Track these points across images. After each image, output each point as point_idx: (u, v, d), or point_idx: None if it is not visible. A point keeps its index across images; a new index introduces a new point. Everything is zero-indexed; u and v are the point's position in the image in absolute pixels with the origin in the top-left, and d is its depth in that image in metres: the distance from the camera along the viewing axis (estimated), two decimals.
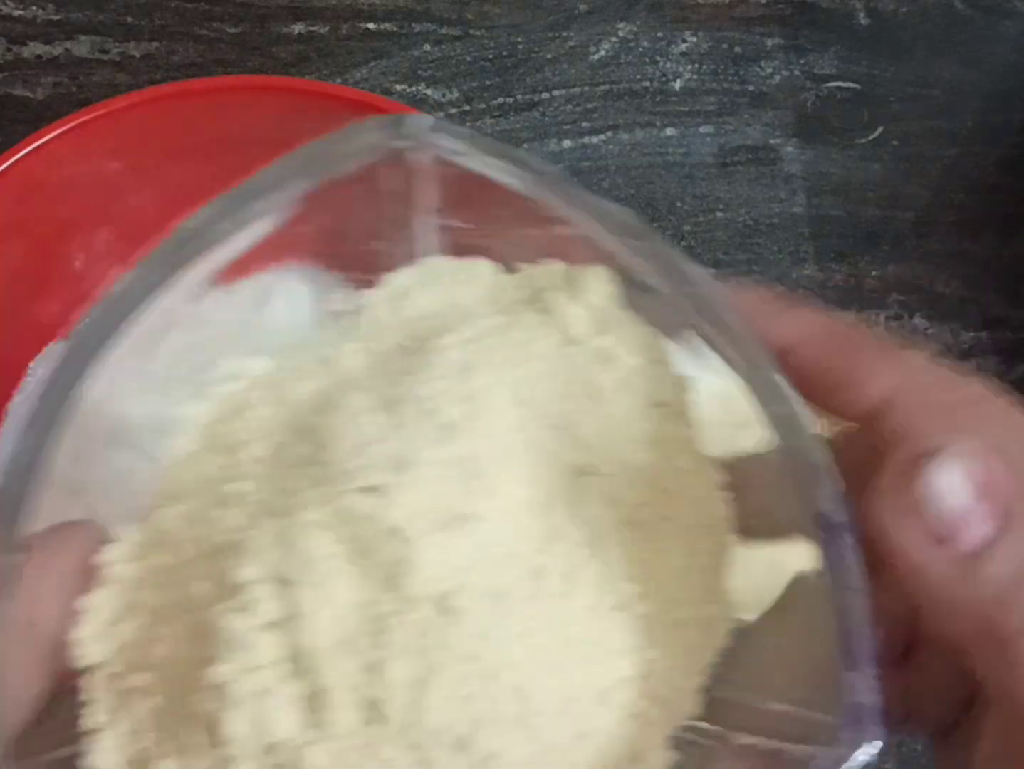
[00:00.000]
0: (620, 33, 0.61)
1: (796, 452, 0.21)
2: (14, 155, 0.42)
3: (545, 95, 0.59)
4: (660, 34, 0.62)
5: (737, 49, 0.62)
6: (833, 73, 0.61)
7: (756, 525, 0.24)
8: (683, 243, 0.54)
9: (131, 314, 0.23)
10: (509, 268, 0.26)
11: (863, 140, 0.59)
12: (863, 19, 0.64)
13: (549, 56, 0.60)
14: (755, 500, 0.24)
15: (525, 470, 0.23)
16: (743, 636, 0.24)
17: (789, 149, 0.58)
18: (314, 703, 0.21)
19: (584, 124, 0.58)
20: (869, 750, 0.20)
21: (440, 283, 0.26)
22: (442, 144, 0.23)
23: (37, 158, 0.42)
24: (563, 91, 0.59)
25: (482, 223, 0.26)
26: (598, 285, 0.25)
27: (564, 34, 0.61)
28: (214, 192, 0.49)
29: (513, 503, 0.23)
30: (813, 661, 0.22)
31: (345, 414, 0.23)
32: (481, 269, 0.26)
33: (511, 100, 0.58)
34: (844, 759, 0.20)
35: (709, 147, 0.58)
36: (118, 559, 0.23)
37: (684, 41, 0.62)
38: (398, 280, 0.26)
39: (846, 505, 0.21)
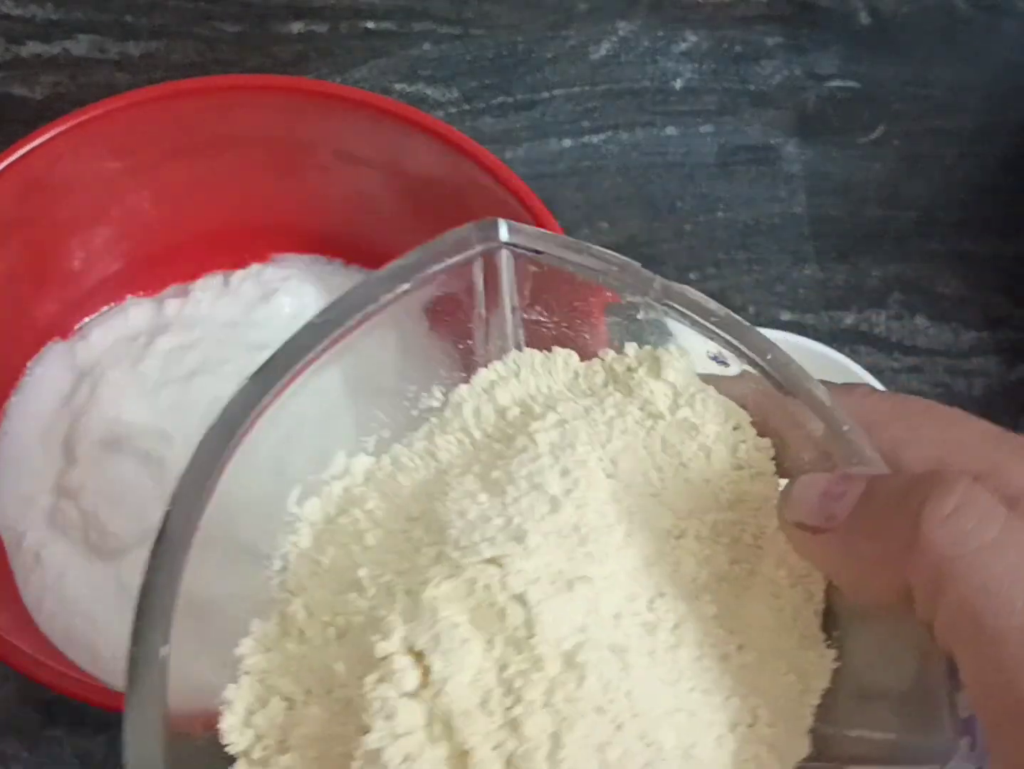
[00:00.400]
0: (620, 32, 0.61)
1: None
2: (13, 154, 0.42)
3: (545, 94, 0.59)
4: (660, 33, 0.62)
5: (738, 48, 0.62)
6: (834, 72, 0.61)
7: None
8: (684, 243, 0.54)
9: (247, 419, 0.26)
10: (586, 355, 0.29)
11: (864, 139, 0.59)
12: (864, 19, 0.64)
13: (549, 55, 0.60)
14: None
15: (623, 536, 0.25)
16: (841, 674, 0.26)
17: (790, 148, 0.57)
18: (459, 764, 0.23)
19: (584, 123, 0.57)
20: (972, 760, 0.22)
21: (527, 374, 0.29)
22: (521, 243, 0.27)
23: (36, 157, 0.42)
24: (563, 90, 0.59)
25: (561, 316, 0.29)
26: (677, 361, 0.28)
27: (564, 33, 0.61)
28: (212, 191, 0.48)
29: (617, 566, 0.25)
30: (907, 687, 0.24)
31: (456, 497, 0.26)
32: (563, 358, 0.29)
33: (511, 99, 0.58)
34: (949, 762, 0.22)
35: (709, 146, 0.58)
36: (251, 652, 0.25)
37: (685, 40, 0.61)
38: (487, 375, 0.29)
39: None
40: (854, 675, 0.25)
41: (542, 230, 0.28)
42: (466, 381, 0.29)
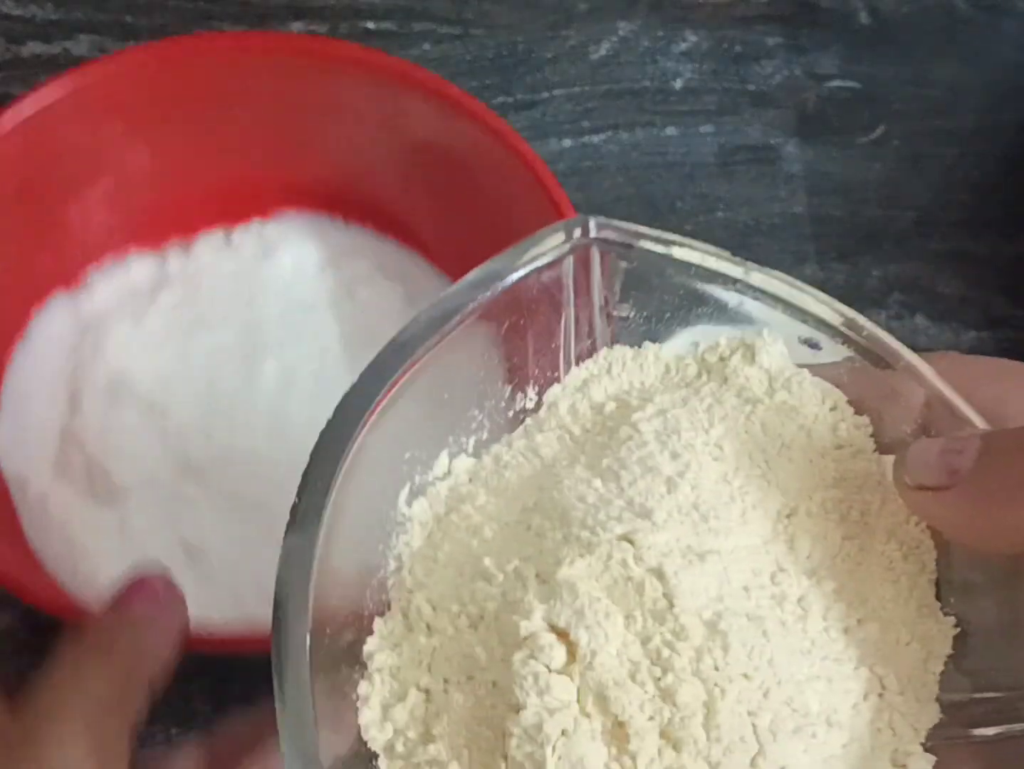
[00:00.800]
0: (620, 32, 0.61)
1: None
2: (14, 112, 0.42)
3: (545, 94, 0.59)
4: (660, 33, 0.62)
5: (738, 48, 0.62)
6: (834, 72, 0.61)
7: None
8: None
9: (356, 430, 0.26)
10: (677, 349, 0.30)
11: (864, 139, 0.59)
12: (864, 18, 0.64)
13: (549, 55, 0.60)
14: None
15: (739, 515, 0.26)
16: (966, 638, 0.26)
17: (790, 148, 0.57)
18: (615, 735, 0.23)
19: (584, 123, 0.57)
20: None
21: (618, 370, 0.30)
22: (612, 239, 0.28)
23: (38, 115, 0.42)
24: (563, 90, 0.59)
25: (650, 312, 0.29)
26: (772, 347, 0.29)
27: (564, 33, 0.61)
28: (214, 147, 0.48)
29: (739, 542, 0.26)
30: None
31: (571, 484, 0.26)
32: (653, 352, 0.30)
33: (511, 99, 0.58)
34: None
35: (710, 146, 0.58)
36: (377, 649, 0.26)
37: (685, 40, 0.61)
38: (580, 373, 0.29)
39: None
40: (974, 640, 0.26)
41: (631, 225, 0.28)
42: (557, 380, 0.29)
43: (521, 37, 0.61)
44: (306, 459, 0.27)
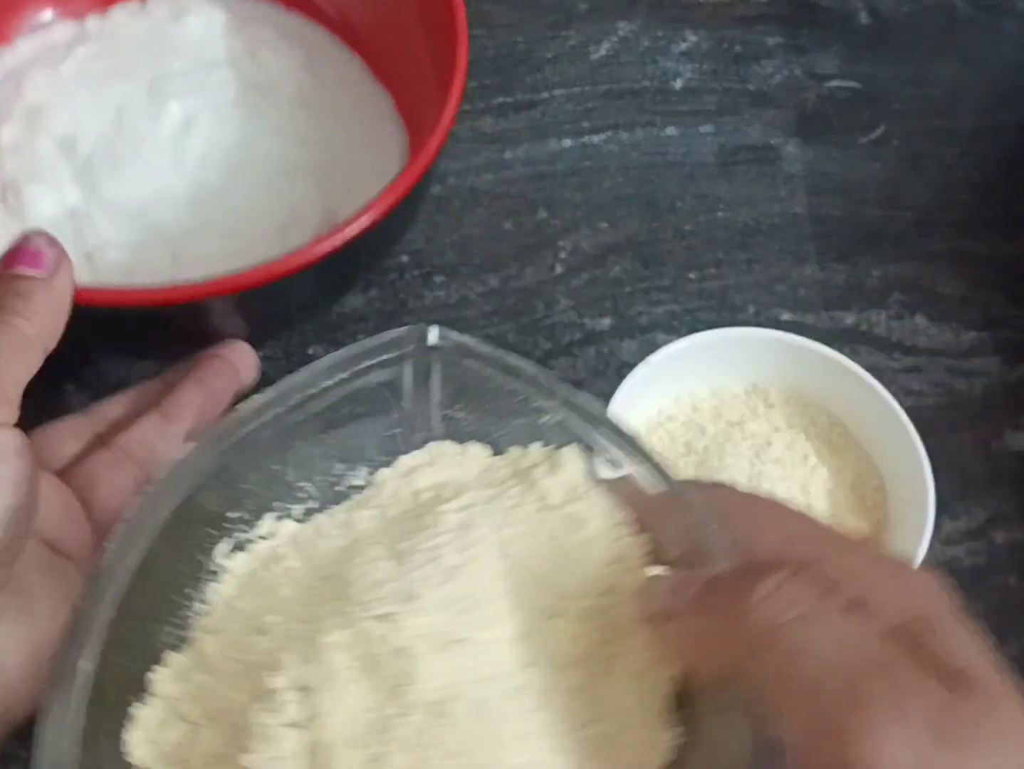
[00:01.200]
0: (620, 32, 0.61)
1: None
2: None
3: (545, 94, 0.59)
4: (660, 33, 0.62)
5: (738, 48, 0.62)
6: (834, 72, 0.61)
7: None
8: (684, 243, 0.54)
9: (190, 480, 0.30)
10: (498, 450, 0.33)
11: (864, 139, 0.59)
12: (864, 18, 0.64)
13: (549, 55, 0.60)
14: None
15: (507, 609, 0.29)
16: (681, 753, 0.29)
17: (790, 148, 0.57)
18: None
19: (584, 123, 0.57)
20: None
21: (442, 463, 0.33)
22: (449, 347, 0.31)
23: None
24: (563, 90, 0.59)
25: (479, 415, 0.33)
26: (573, 462, 0.32)
27: (564, 33, 0.61)
28: None
29: (497, 635, 0.29)
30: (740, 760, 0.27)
31: (363, 561, 0.30)
32: (476, 451, 0.33)
33: (511, 99, 0.58)
34: None
35: (710, 146, 0.58)
36: (164, 679, 0.29)
37: (685, 40, 0.61)
38: (408, 460, 0.33)
39: None
40: (702, 751, 0.29)
41: (468, 338, 0.32)
42: (389, 465, 0.33)
43: (521, 37, 0.61)
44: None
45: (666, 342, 0.45)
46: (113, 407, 0.39)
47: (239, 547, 0.32)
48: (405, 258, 0.52)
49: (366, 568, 0.30)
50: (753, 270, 0.54)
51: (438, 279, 0.51)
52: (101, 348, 0.47)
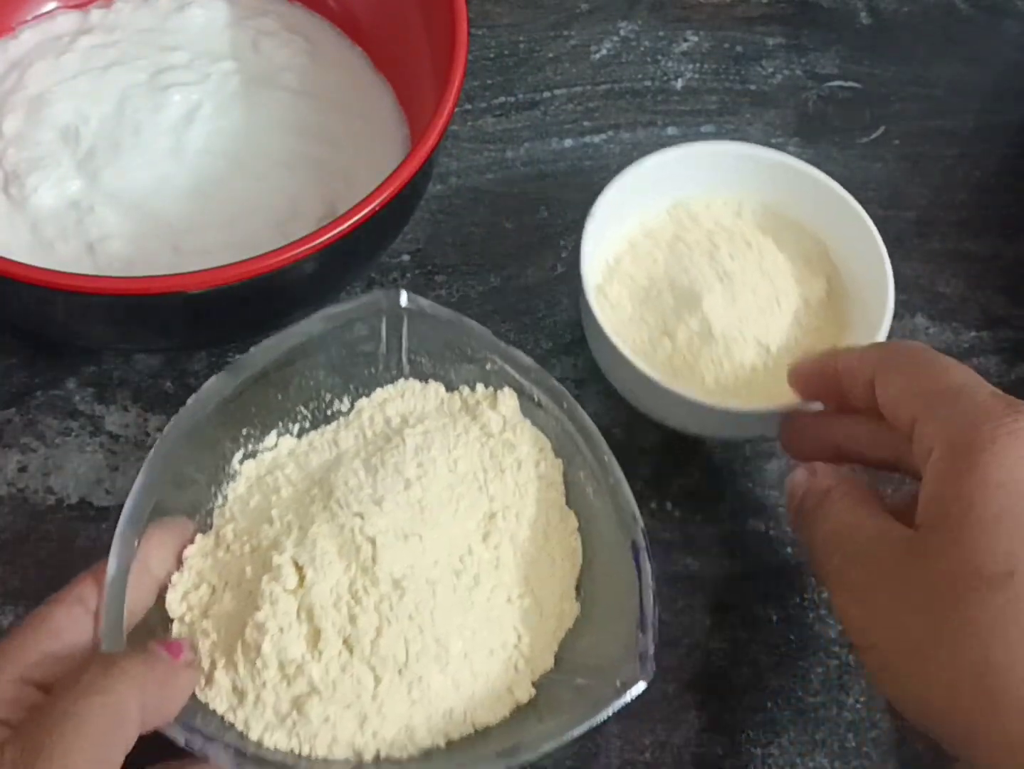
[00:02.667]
0: (621, 32, 0.62)
1: (623, 506, 0.39)
2: None
3: (546, 94, 0.59)
4: (661, 33, 0.62)
5: (738, 48, 0.62)
6: (834, 72, 0.61)
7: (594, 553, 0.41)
8: None
9: (203, 411, 0.39)
10: (451, 389, 0.43)
11: (864, 139, 0.59)
12: (864, 19, 0.64)
13: (550, 55, 0.60)
14: (596, 536, 0.41)
15: (454, 511, 0.39)
16: (581, 622, 0.40)
17: (790, 148, 0.58)
18: (313, 638, 0.36)
19: (585, 123, 0.58)
20: (640, 687, 0.35)
21: (408, 396, 0.43)
22: (416, 309, 0.41)
23: None
24: (564, 90, 0.59)
25: (439, 360, 0.43)
26: (508, 401, 0.42)
27: (565, 33, 0.61)
28: None
29: (445, 531, 0.38)
30: (621, 634, 0.37)
31: (344, 471, 0.39)
32: (434, 388, 0.43)
33: (512, 99, 0.58)
34: (625, 689, 0.35)
35: None
36: (194, 554, 0.39)
37: (685, 40, 0.62)
38: (382, 393, 0.43)
39: (646, 537, 0.38)
40: (592, 623, 0.39)
41: (430, 302, 0.41)
42: (367, 396, 0.43)
43: (523, 37, 0.61)
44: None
45: None
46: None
47: (250, 456, 0.41)
48: (406, 257, 0.52)
49: (347, 476, 0.39)
50: None
51: (439, 278, 0.52)
52: (99, 340, 0.47)
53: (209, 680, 0.36)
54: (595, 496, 0.40)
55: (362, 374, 0.43)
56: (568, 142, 0.57)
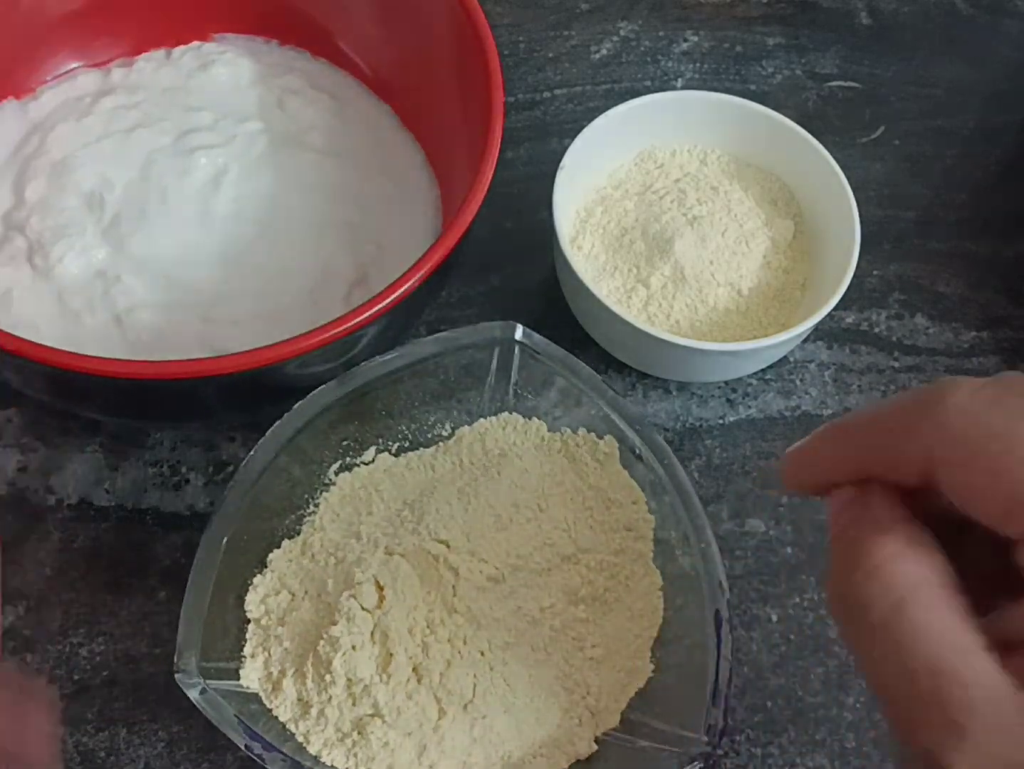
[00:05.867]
0: (621, 32, 0.62)
1: (712, 573, 0.38)
2: None
3: (547, 94, 0.59)
4: (661, 33, 0.62)
5: (738, 48, 0.62)
6: (834, 72, 0.61)
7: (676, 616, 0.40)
8: None
9: (301, 422, 0.40)
10: (553, 429, 0.43)
11: (864, 139, 0.59)
12: (864, 19, 0.64)
13: (550, 55, 0.60)
14: (678, 599, 0.39)
15: (539, 553, 0.39)
16: (652, 683, 0.39)
17: None
18: (384, 661, 0.36)
19: (586, 123, 0.57)
20: (706, 758, 0.34)
21: (510, 430, 0.42)
22: (529, 344, 0.41)
23: None
24: (565, 90, 0.59)
25: (545, 398, 0.42)
26: (608, 449, 0.41)
27: (565, 33, 0.61)
28: None
29: (527, 571, 0.38)
30: (691, 702, 0.36)
31: (438, 497, 0.40)
32: (536, 426, 0.43)
33: (512, 99, 0.58)
34: (691, 761, 0.34)
35: None
36: (279, 558, 0.39)
37: (685, 40, 0.62)
38: (484, 423, 0.43)
39: (730, 608, 0.37)
40: (663, 686, 0.38)
41: (544, 340, 0.41)
42: (469, 424, 0.43)
43: (522, 36, 0.61)
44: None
45: None
46: None
47: (346, 468, 0.42)
48: None
49: (439, 503, 0.39)
50: None
51: None
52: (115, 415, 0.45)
53: (277, 688, 0.36)
54: (683, 558, 0.39)
55: (467, 401, 0.42)
56: (568, 142, 0.57)
